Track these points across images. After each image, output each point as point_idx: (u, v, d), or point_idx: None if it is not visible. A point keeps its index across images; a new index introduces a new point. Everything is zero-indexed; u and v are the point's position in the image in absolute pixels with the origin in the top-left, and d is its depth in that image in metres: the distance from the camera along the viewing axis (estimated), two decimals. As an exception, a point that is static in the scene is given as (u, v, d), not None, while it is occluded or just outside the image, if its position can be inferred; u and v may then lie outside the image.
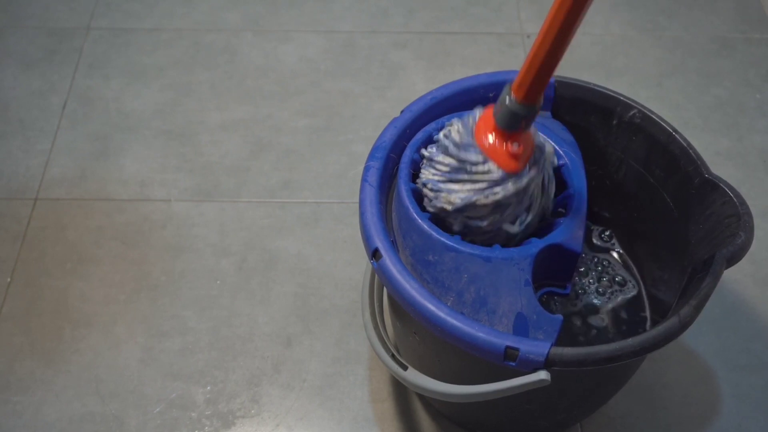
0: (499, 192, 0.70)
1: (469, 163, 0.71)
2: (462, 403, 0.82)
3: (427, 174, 0.74)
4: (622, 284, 0.84)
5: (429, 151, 0.75)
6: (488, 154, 0.70)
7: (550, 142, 0.78)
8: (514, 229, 0.73)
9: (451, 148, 0.72)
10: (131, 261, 1.03)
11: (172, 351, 0.95)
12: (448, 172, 0.72)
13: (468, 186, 0.71)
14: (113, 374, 0.94)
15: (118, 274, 1.02)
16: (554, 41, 0.62)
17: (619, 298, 0.84)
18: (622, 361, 0.64)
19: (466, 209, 0.71)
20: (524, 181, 0.70)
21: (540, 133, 0.76)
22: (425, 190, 0.74)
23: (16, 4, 1.33)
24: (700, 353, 0.95)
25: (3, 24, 1.30)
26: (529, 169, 0.70)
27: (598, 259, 0.86)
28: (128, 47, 1.27)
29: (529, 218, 0.73)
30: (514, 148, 0.68)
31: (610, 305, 0.83)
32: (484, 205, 0.71)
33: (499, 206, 0.71)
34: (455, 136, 0.72)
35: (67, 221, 1.07)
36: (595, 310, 0.82)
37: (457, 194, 0.71)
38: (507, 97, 0.67)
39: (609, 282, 0.84)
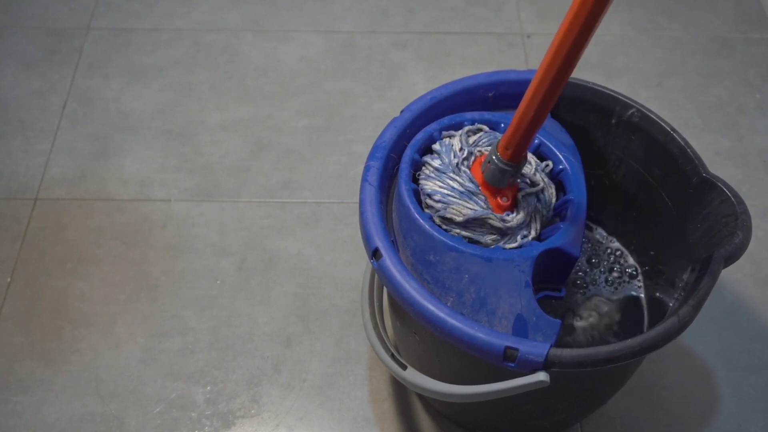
0: (509, 221, 0.73)
1: (482, 201, 0.74)
2: (462, 403, 0.82)
3: (433, 185, 0.74)
4: (633, 276, 0.85)
5: (438, 164, 0.75)
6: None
7: (548, 143, 0.78)
8: (515, 245, 0.74)
9: (463, 190, 0.74)
10: (131, 261, 1.03)
11: (172, 351, 0.95)
12: (461, 192, 0.74)
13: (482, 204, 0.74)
14: (113, 374, 0.94)
15: (118, 274, 1.02)
16: (537, 110, 0.68)
17: (623, 294, 0.84)
18: (622, 362, 0.64)
19: (474, 222, 0.73)
20: (515, 222, 0.74)
21: (534, 160, 0.78)
22: (430, 201, 0.74)
23: (16, 4, 1.33)
24: (700, 353, 0.95)
25: (3, 24, 1.30)
26: (516, 214, 0.74)
27: (611, 250, 0.87)
28: (128, 47, 1.27)
29: (531, 234, 0.75)
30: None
31: (613, 298, 0.83)
32: (492, 226, 0.73)
33: (501, 231, 0.74)
34: (458, 187, 0.74)
35: (67, 221, 1.07)
36: (595, 304, 0.83)
37: (468, 207, 0.73)
38: (494, 157, 0.72)
39: (619, 274, 0.85)
